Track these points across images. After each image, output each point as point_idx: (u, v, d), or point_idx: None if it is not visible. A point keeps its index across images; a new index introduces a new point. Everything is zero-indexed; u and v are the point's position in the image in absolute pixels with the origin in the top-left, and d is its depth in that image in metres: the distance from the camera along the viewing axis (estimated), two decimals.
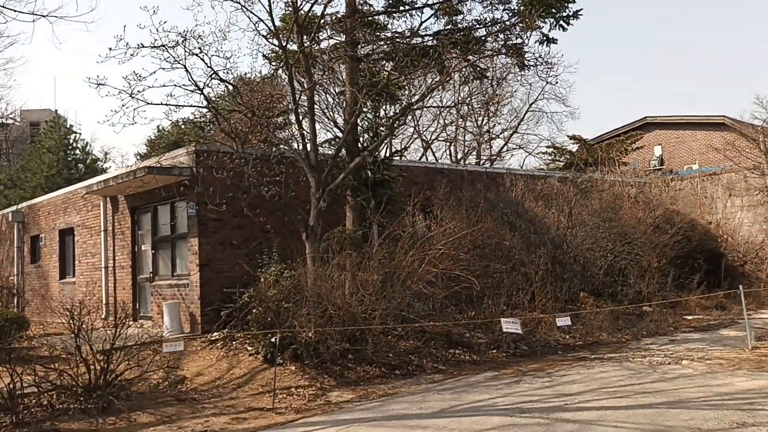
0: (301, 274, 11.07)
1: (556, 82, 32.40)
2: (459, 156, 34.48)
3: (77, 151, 36.74)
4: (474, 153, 34.82)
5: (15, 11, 9.38)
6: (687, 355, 11.02)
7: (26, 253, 20.97)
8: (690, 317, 15.78)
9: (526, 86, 32.64)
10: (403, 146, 32.95)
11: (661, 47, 74.30)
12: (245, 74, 22.74)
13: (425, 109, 29.98)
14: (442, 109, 30.17)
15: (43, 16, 11.20)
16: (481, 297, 13.20)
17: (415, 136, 33.45)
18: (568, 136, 32.02)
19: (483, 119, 33.81)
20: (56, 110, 46.98)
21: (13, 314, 12.36)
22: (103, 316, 14.82)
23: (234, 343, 11.73)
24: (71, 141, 36.64)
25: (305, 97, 12.63)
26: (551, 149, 32.65)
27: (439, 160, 32.60)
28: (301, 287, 10.81)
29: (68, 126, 39.07)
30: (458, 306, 13.27)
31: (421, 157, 33.08)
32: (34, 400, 8.68)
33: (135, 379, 9.61)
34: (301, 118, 12.52)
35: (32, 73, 71.30)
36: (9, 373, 8.42)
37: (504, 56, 14.90)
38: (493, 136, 35.07)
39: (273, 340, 10.00)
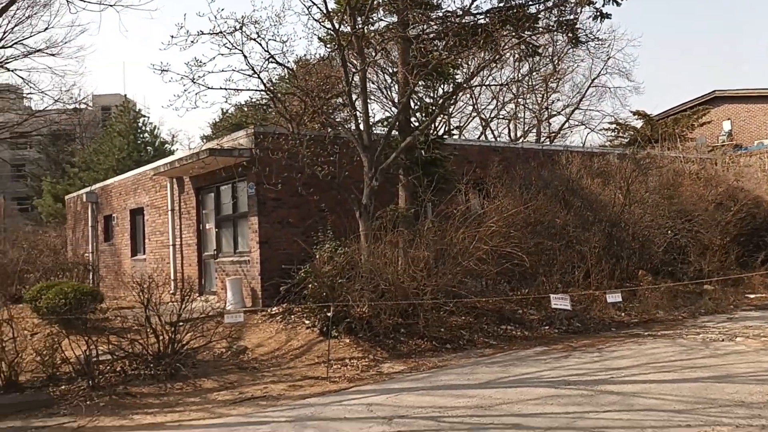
0: (355, 251, 11.43)
1: (609, 58, 31.52)
2: (519, 134, 34.18)
3: (146, 135, 38.24)
4: (534, 131, 34.44)
5: (84, 1, 9.96)
6: (743, 333, 10.88)
7: (100, 231, 22.18)
8: (752, 296, 15.41)
9: (587, 61, 31.84)
10: (461, 124, 32.91)
11: (731, 19, 70.97)
12: (303, 56, 23.16)
13: (484, 87, 29.85)
14: (501, 87, 29.92)
15: (110, 5, 11.84)
16: (535, 274, 13.28)
17: (473, 114, 33.33)
18: (631, 112, 31.30)
19: (543, 96, 33.35)
20: (125, 95, 48.79)
21: (88, 288, 13.18)
22: (171, 291, 15.61)
23: (292, 316, 12.26)
24: (140, 125, 38.14)
25: (359, 79, 12.91)
26: (614, 125, 31.98)
27: (499, 139, 32.41)
28: (355, 264, 11.18)
29: (137, 110, 40.65)
30: (511, 283, 13.41)
31: (480, 136, 32.97)
32: (108, 367, 9.37)
33: (200, 349, 10.22)
34: (354, 99, 12.81)
35: (102, 60, 74.21)
36: (85, 342, 9.13)
37: (556, 33, 14.72)
38: (554, 112, 34.58)
39: (328, 314, 10.43)
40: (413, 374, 9.28)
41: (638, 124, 29.88)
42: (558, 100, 34.24)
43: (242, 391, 8.65)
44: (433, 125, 13.88)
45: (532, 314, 12.91)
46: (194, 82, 11.67)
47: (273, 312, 12.59)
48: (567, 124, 34.44)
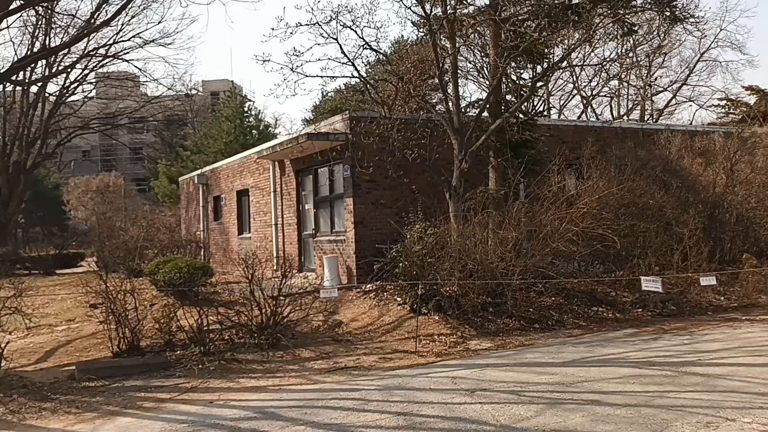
0: (444, 231, 11.78)
1: (720, 31, 29.81)
2: (621, 112, 33.10)
3: (251, 119, 39.96)
4: (638, 108, 33.24)
5: None
6: None
7: (210, 211, 23.69)
8: None
9: (696, 34, 30.40)
10: (561, 104, 32.26)
11: None
12: (398, 39, 23.51)
13: (585, 66, 29.10)
14: (601, 66, 29.07)
15: None
16: (629, 256, 13.13)
17: (574, 92, 32.58)
18: (744, 87, 29.62)
19: (647, 72, 32.07)
20: (232, 81, 50.98)
21: (200, 264, 14.33)
22: (274, 268, 16.62)
23: (385, 293, 12.82)
24: (246, 109, 39.88)
25: (450, 62, 13.16)
26: (724, 102, 30.38)
27: (600, 117, 31.54)
28: (444, 244, 11.53)
29: (243, 95, 42.51)
30: (605, 265, 13.32)
31: (581, 115, 32.22)
32: (217, 335, 10.27)
33: (299, 321, 10.96)
34: (445, 82, 13.08)
35: (210, 47, 77.70)
36: (198, 312, 10.05)
37: (652, 12, 14.28)
38: (660, 89, 33.20)
39: (418, 291, 10.87)
40: (499, 351, 9.58)
41: (751, 99, 28.27)
42: (665, 75, 32.86)
43: (336, 361, 9.27)
44: (525, 106, 13.88)
45: (625, 297, 12.82)
46: (293, 71, 12.33)
47: (367, 289, 13.19)
48: (674, 101, 33.02)
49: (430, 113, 13.64)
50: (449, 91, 13.11)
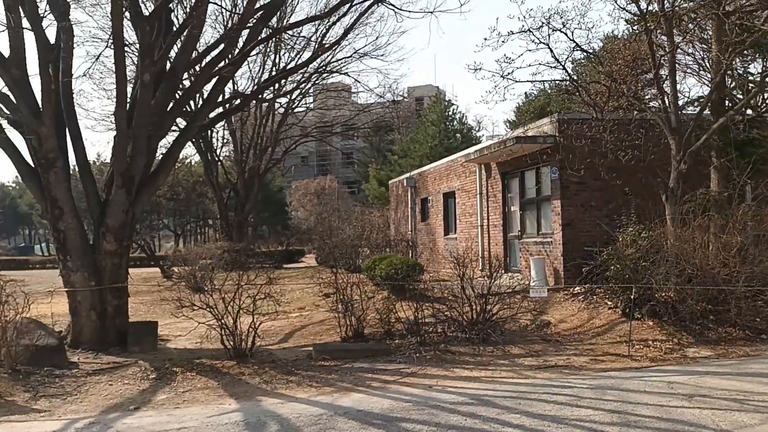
0: (659, 234, 11.42)
1: None
2: None
3: (455, 123, 41.04)
4: None
5: (409, 11, 11.69)
6: None
7: (417, 212, 24.90)
8: None
9: None
10: None
11: None
12: (608, 34, 22.81)
13: None
14: None
15: (430, 12, 13.52)
16: None
17: None
18: None
19: None
20: (437, 87, 52.60)
21: (412, 262, 15.31)
22: (479, 268, 17.15)
23: (594, 297, 12.73)
24: (450, 114, 41.03)
25: (667, 60, 12.69)
26: None
27: None
28: (659, 247, 11.19)
29: (447, 100, 43.75)
30: None
31: None
32: (431, 328, 10.99)
33: (507, 319, 11.33)
34: (661, 80, 12.64)
35: (415, 56, 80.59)
36: (414, 306, 10.86)
37: None
38: None
39: (631, 296, 10.69)
40: (720, 360, 9.16)
41: None
42: None
43: (546, 359, 9.51)
44: (753, 102, 12.92)
45: None
46: (503, 78, 12.75)
47: (575, 291, 13.18)
48: None
49: (645, 112, 13.25)
50: (666, 89, 12.65)
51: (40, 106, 10.29)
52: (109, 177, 11.31)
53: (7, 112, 10.41)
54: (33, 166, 10.63)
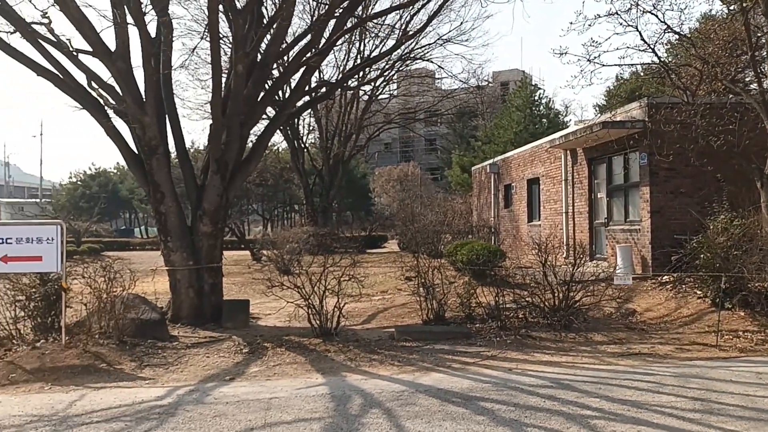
0: (753, 222, 11.00)
1: None
2: None
3: (541, 107, 40.31)
4: None
5: None
6: None
7: (500, 199, 24.77)
8: None
9: None
10: None
11: None
12: (704, 14, 21.83)
13: None
14: None
15: None
16: None
17: None
18: None
19: None
20: (523, 71, 51.76)
21: (494, 248, 15.36)
22: (564, 255, 16.93)
23: (683, 286, 12.41)
24: (536, 98, 40.32)
25: (765, 40, 12.12)
26: None
27: None
28: (753, 236, 10.79)
29: (533, 85, 43.00)
30: None
31: None
32: (512, 313, 11.07)
33: (590, 307, 11.24)
34: (758, 61, 12.09)
35: (501, 40, 79.30)
36: (495, 291, 10.96)
37: None
38: None
39: (721, 285, 10.39)
40: None
41: None
42: None
43: (629, 347, 9.41)
44: None
45: None
46: (590, 62, 12.54)
47: (663, 280, 12.88)
48: None
49: (740, 96, 12.71)
50: (765, 70, 12.09)
51: (143, 96, 11.02)
52: (205, 163, 11.98)
53: (114, 103, 11.18)
54: (137, 153, 11.40)
